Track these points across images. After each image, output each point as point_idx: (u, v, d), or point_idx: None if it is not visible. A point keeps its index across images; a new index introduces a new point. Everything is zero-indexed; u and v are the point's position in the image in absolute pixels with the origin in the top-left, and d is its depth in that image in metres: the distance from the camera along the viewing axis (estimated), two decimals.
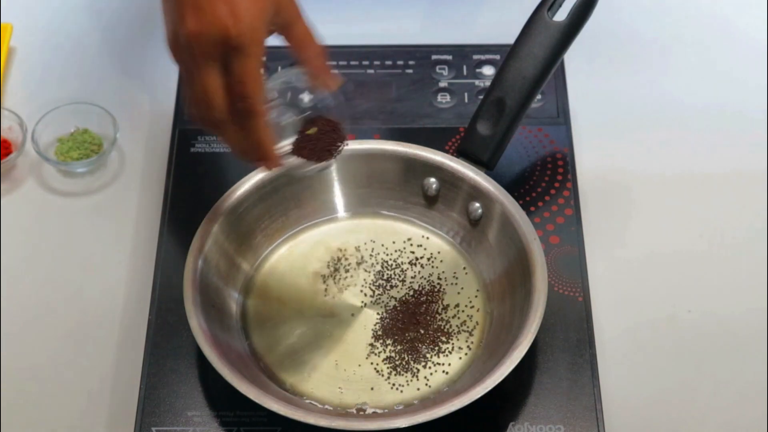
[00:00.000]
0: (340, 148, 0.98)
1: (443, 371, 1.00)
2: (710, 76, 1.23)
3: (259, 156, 0.89)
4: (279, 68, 1.19)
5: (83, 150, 1.15)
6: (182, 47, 0.85)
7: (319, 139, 0.97)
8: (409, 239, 1.08)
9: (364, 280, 1.05)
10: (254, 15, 0.85)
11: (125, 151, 1.17)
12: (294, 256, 1.07)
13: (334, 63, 1.20)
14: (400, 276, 1.05)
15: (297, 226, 1.08)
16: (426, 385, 0.99)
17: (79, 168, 1.15)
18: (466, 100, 1.18)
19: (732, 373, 1.03)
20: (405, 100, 1.18)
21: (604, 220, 1.11)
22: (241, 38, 0.84)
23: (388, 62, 1.21)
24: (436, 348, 1.01)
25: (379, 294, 1.04)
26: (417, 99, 1.18)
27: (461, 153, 1.06)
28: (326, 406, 0.98)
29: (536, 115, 1.16)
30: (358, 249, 1.07)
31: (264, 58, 0.87)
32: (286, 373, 1.00)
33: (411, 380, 0.99)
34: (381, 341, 1.01)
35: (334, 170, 1.07)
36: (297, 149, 0.96)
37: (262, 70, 0.86)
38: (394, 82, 1.20)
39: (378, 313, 1.03)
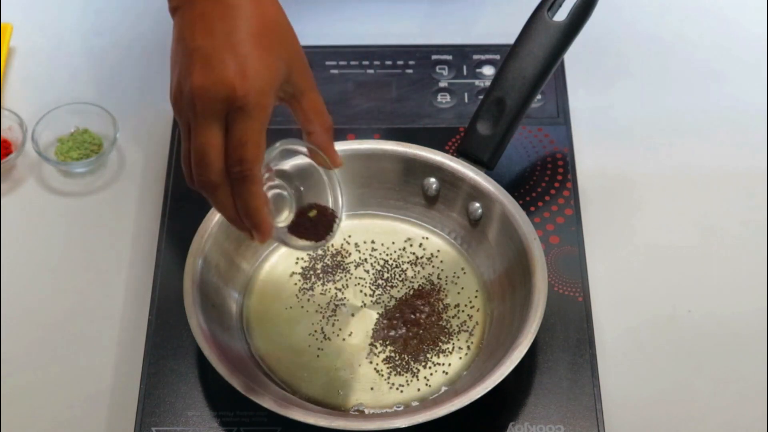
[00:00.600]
0: (335, 232, 0.94)
1: (443, 371, 1.00)
2: (710, 76, 1.23)
3: (251, 224, 0.85)
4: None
5: (83, 150, 1.15)
6: (185, 101, 0.82)
7: (319, 222, 0.94)
8: (409, 239, 1.08)
9: (364, 280, 1.05)
10: (264, 78, 0.81)
11: (125, 151, 1.17)
12: (294, 256, 1.07)
13: (334, 63, 1.20)
14: (400, 276, 1.05)
15: None
16: (426, 385, 0.99)
17: (79, 168, 1.15)
18: (466, 100, 1.18)
19: (732, 373, 1.03)
20: (405, 100, 1.18)
21: (604, 220, 1.11)
22: (247, 99, 0.80)
23: (388, 62, 1.21)
24: (436, 348, 1.01)
25: (379, 294, 1.04)
26: (417, 99, 1.18)
27: (461, 153, 1.06)
28: (326, 406, 0.98)
29: (536, 115, 1.16)
30: (358, 249, 1.07)
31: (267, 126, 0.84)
32: (285, 373, 1.00)
33: (411, 380, 0.99)
34: (381, 341, 1.01)
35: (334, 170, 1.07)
36: (294, 227, 0.93)
37: (264, 137, 0.83)
38: (394, 82, 1.20)
39: (378, 313, 1.03)
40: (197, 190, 0.85)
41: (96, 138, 1.16)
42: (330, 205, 0.94)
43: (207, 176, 0.83)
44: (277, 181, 0.92)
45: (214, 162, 0.82)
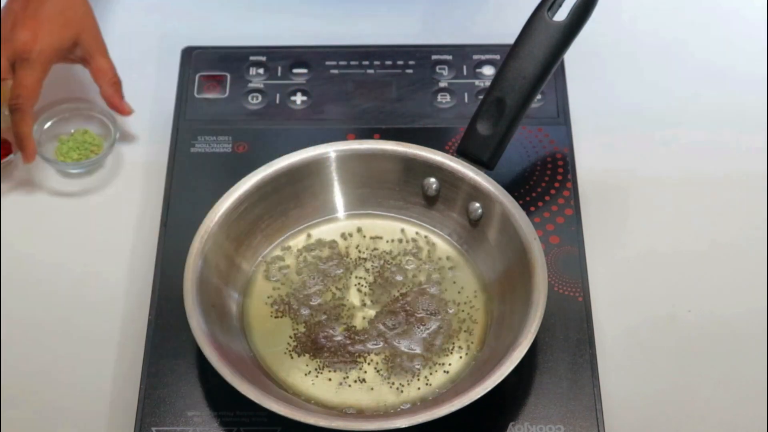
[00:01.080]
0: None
1: (443, 371, 1.00)
2: (710, 76, 1.23)
3: (19, 146, 1.11)
4: (279, 68, 1.19)
5: (83, 150, 1.15)
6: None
7: None
8: (409, 239, 1.08)
9: (364, 279, 1.05)
10: (48, 42, 1.10)
11: (125, 151, 1.17)
12: (294, 255, 1.07)
13: (334, 63, 1.20)
14: (399, 276, 1.05)
15: (297, 226, 1.08)
16: (426, 385, 0.99)
17: (78, 169, 1.15)
18: (466, 100, 1.18)
19: (732, 373, 1.03)
20: (405, 100, 1.18)
21: (604, 220, 1.11)
22: (32, 54, 1.10)
23: (388, 62, 1.21)
24: (437, 348, 1.01)
25: (378, 294, 1.04)
26: (417, 99, 1.18)
27: (461, 153, 1.06)
28: (326, 407, 0.98)
29: (536, 115, 1.16)
30: (358, 249, 1.07)
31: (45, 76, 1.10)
32: (285, 373, 1.00)
33: (411, 380, 0.99)
34: (381, 341, 1.01)
35: (334, 170, 1.07)
36: None
37: (39, 84, 1.10)
38: (394, 82, 1.20)
39: (378, 313, 1.03)
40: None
41: (96, 138, 1.16)
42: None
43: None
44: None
45: (4, 95, 1.12)
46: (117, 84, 1.16)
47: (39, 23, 1.11)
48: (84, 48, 1.14)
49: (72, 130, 1.17)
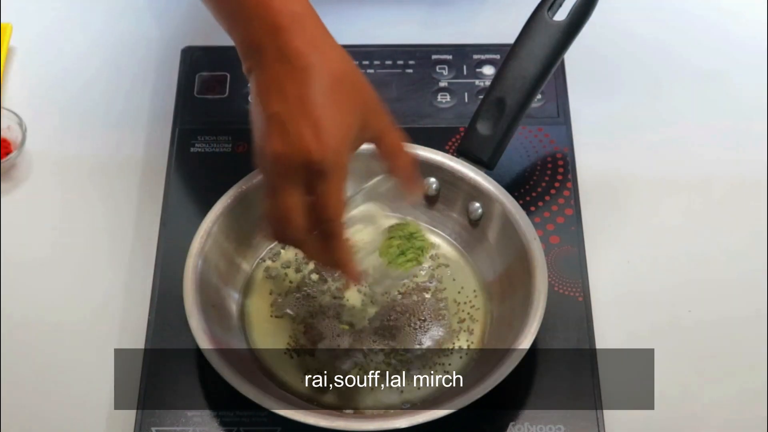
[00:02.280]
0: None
1: (443, 371, 1.00)
2: (711, 76, 1.23)
3: (342, 272, 0.92)
4: None
5: (413, 251, 1.03)
6: (267, 164, 0.87)
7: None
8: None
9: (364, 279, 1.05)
10: (338, 138, 0.86)
11: (125, 151, 1.17)
12: (293, 255, 1.07)
13: None
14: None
15: None
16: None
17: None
18: (466, 100, 1.18)
19: (732, 373, 1.03)
20: (405, 100, 1.18)
21: (604, 220, 1.11)
22: (324, 163, 0.85)
23: (388, 62, 1.21)
24: (437, 348, 1.01)
25: (379, 294, 1.04)
26: (417, 99, 1.18)
27: (461, 153, 1.06)
28: (326, 407, 0.98)
29: (536, 115, 1.16)
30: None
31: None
32: (285, 374, 1.00)
33: (411, 380, 0.99)
34: (381, 341, 1.01)
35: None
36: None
37: (344, 192, 0.88)
38: (394, 82, 1.20)
39: (378, 313, 1.03)
40: (284, 244, 0.95)
41: (421, 235, 1.02)
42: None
43: (292, 234, 0.89)
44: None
45: (295, 221, 0.88)
46: (411, 164, 0.93)
47: (315, 119, 0.85)
48: (372, 128, 0.90)
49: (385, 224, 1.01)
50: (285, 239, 0.91)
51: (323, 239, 0.89)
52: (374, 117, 0.90)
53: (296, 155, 0.85)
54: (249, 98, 0.89)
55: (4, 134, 1.14)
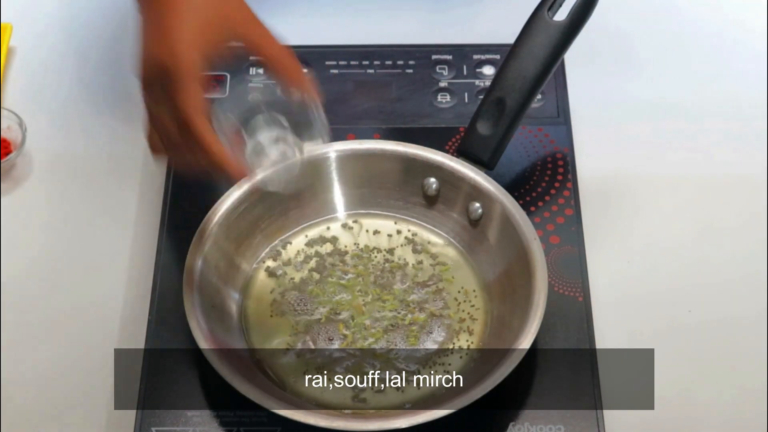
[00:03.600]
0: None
1: (443, 371, 1.00)
2: (711, 76, 1.23)
3: (221, 170, 0.90)
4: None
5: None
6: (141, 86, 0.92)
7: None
8: (409, 239, 1.08)
9: (364, 279, 1.05)
10: (185, 39, 0.90)
11: (125, 151, 1.17)
12: (293, 256, 1.07)
13: (334, 63, 1.20)
14: (400, 275, 1.05)
15: (297, 226, 1.08)
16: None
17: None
18: (466, 100, 1.18)
19: (732, 373, 1.03)
20: (405, 100, 1.18)
21: (604, 220, 1.11)
22: (170, 63, 0.89)
23: (388, 62, 1.21)
24: (437, 348, 1.01)
25: (378, 293, 1.04)
26: (417, 99, 1.18)
27: (461, 153, 1.06)
28: (326, 407, 0.98)
29: (536, 115, 1.16)
30: (358, 249, 1.07)
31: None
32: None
33: (411, 380, 0.99)
34: (381, 341, 1.01)
35: (334, 170, 1.07)
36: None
37: (201, 95, 0.89)
38: (394, 82, 1.20)
39: (378, 313, 1.03)
40: (169, 158, 0.94)
41: None
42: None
43: (165, 144, 0.92)
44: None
45: (167, 128, 0.91)
46: (290, 53, 0.93)
47: (166, 27, 0.91)
48: (242, 37, 0.93)
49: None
50: (165, 151, 0.92)
51: (190, 145, 0.90)
52: (243, 24, 0.93)
53: (149, 65, 0.90)
54: None
55: (4, 134, 1.14)
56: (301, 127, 0.95)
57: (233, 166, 0.90)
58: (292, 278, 1.05)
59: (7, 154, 1.14)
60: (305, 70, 0.94)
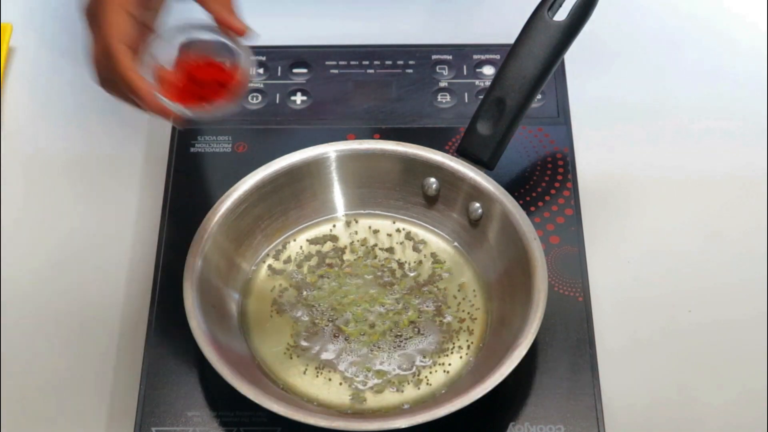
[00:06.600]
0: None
1: (443, 371, 1.00)
2: (711, 76, 1.23)
3: (133, 95, 0.92)
4: (279, 68, 1.19)
5: None
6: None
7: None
8: (409, 239, 1.08)
9: (364, 279, 1.05)
10: None
11: (125, 151, 1.17)
12: (293, 256, 1.07)
13: (334, 63, 1.20)
14: (399, 276, 1.05)
15: (297, 226, 1.08)
16: (426, 384, 0.99)
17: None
18: (466, 100, 1.18)
19: (732, 373, 1.03)
20: (405, 100, 1.18)
21: (604, 220, 1.11)
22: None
23: (388, 62, 1.21)
24: (437, 347, 1.01)
25: (378, 294, 1.04)
26: (417, 99, 1.18)
27: (461, 153, 1.06)
28: (326, 407, 0.98)
29: (536, 115, 1.16)
30: (358, 249, 1.07)
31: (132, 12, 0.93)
32: (285, 374, 1.00)
33: (411, 380, 0.99)
34: (381, 341, 1.01)
35: (334, 170, 1.07)
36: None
37: (125, 22, 0.92)
38: (394, 82, 1.20)
39: (377, 313, 1.03)
40: (103, 89, 0.96)
41: None
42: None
43: (95, 71, 0.94)
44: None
45: (93, 58, 0.94)
46: (229, 2, 0.95)
47: None
48: None
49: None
50: (96, 79, 0.95)
51: (109, 69, 0.92)
52: None
53: (84, 3, 0.93)
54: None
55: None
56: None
57: (144, 91, 0.92)
58: (292, 278, 1.05)
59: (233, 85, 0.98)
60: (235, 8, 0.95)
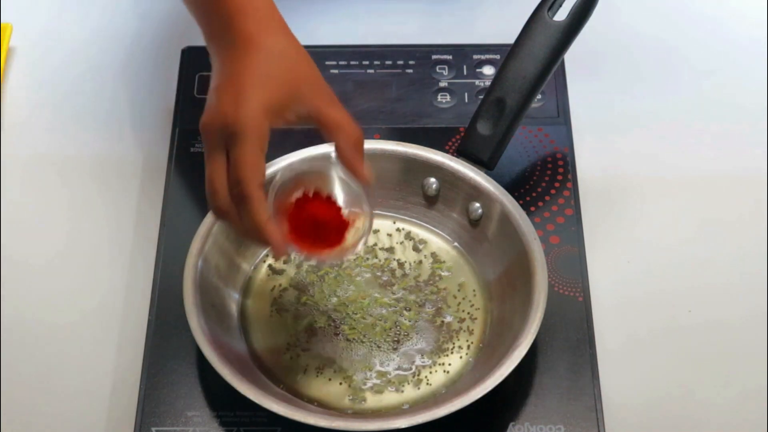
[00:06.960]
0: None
1: (444, 371, 1.00)
2: (711, 76, 1.23)
3: (262, 242, 0.89)
4: None
5: None
6: (201, 135, 0.91)
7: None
8: (409, 239, 1.08)
9: (364, 279, 1.05)
10: (255, 104, 0.88)
11: (125, 151, 1.17)
12: (293, 255, 1.07)
13: (334, 63, 1.20)
14: (399, 276, 1.05)
15: None
16: (426, 384, 0.99)
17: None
18: (466, 100, 1.18)
19: (732, 373, 1.03)
20: (405, 100, 1.18)
21: (604, 220, 1.11)
22: (237, 125, 0.87)
23: (388, 62, 1.21)
24: (437, 347, 1.01)
25: (378, 294, 1.04)
26: (417, 99, 1.18)
27: (461, 153, 1.06)
28: (326, 407, 0.98)
29: (536, 115, 1.16)
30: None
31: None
32: (285, 374, 1.00)
33: (411, 380, 0.99)
34: (381, 341, 1.01)
35: (334, 170, 1.07)
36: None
37: (260, 158, 0.88)
38: (394, 82, 1.20)
39: (377, 313, 1.03)
40: (216, 216, 0.91)
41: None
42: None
43: (215, 203, 0.90)
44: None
45: (219, 189, 0.89)
46: (358, 142, 0.92)
47: (238, 89, 0.89)
48: (306, 102, 0.92)
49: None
50: (212, 208, 0.90)
51: (238, 206, 0.88)
52: (309, 91, 0.92)
53: (215, 121, 0.89)
54: None
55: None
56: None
57: (277, 243, 0.89)
58: (292, 278, 1.05)
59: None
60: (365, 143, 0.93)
